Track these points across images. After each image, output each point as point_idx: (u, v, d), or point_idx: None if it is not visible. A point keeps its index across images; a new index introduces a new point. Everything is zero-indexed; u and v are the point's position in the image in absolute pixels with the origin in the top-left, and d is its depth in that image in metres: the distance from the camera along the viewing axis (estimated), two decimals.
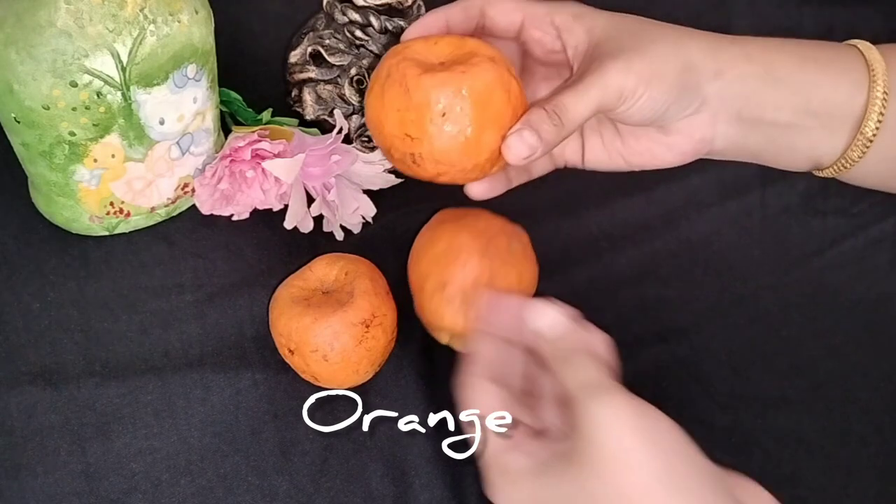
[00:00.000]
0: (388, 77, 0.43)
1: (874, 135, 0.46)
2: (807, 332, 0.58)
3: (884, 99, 0.45)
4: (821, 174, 0.49)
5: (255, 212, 0.54)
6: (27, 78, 0.44)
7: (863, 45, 0.48)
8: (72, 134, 0.46)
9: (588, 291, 0.57)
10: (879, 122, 0.46)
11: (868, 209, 0.61)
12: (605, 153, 0.49)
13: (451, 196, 0.48)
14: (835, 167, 0.48)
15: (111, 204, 0.51)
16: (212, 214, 0.53)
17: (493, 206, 0.52)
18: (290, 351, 0.49)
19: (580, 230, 0.59)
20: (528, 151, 0.41)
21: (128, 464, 0.48)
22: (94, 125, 0.46)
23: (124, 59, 0.45)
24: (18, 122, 0.46)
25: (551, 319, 0.44)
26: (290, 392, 0.51)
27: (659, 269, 0.59)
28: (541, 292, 0.53)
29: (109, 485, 0.47)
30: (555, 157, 0.50)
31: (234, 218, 0.54)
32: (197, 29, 0.47)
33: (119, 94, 0.46)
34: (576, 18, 0.46)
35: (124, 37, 0.44)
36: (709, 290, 0.58)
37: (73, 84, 0.44)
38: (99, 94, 0.45)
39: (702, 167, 0.62)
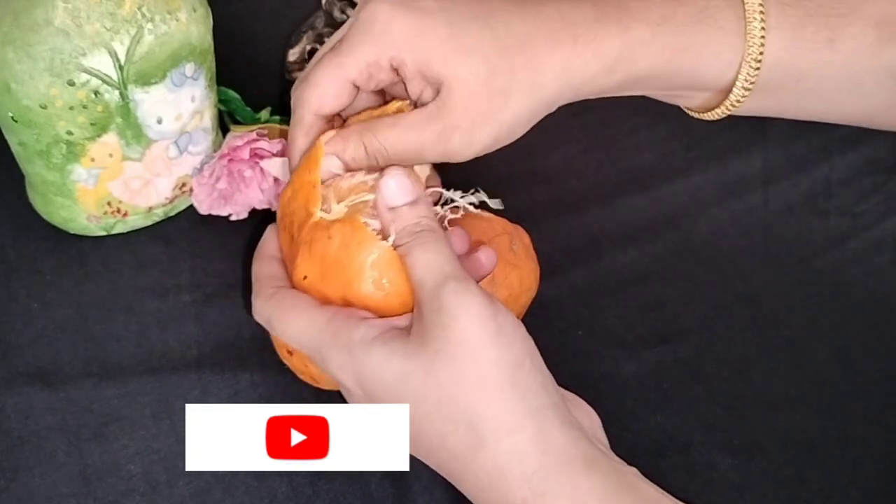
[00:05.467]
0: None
1: (737, 103, 0.44)
2: (809, 332, 0.57)
3: (755, 76, 0.42)
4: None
5: (253, 212, 0.54)
6: (24, 77, 0.43)
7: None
8: (69, 133, 0.46)
9: (590, 292, 0.57)
10: (745, 94, 0.43)
11: (871, 209, 0.61)
12: None
13: None
14: (695, 114, 0.46)
15: (109, 204, 0.51)
16: (210, 214, 0.53)
17: None
18: (289, 352, 0.49)
19: (581, 230, 0.59)
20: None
21: (125, 465, 0.48)
22: (91, 124, 0.46)
23: (122, 57, 0.44)
24: (16, 122, 0.46)
25: (398, 185, 0.40)
26: (288, 393, 0.50)
27: (661, 269, 0.58)
28: (542, 293, 0.52)
29: (107, 486, 0.47)
30: None
31: (233, 218, 0.54)
32: (195, 27, 0.47)
33: (116, 92, 0.45)
34: (419, 69, 0.42)
35: (122, 35, 0.44)
36: (711, 290, 0.58)
37: (71, 83, 0.44)
38: (96, 92, 0.45)
39: (703, 167, 0.63)
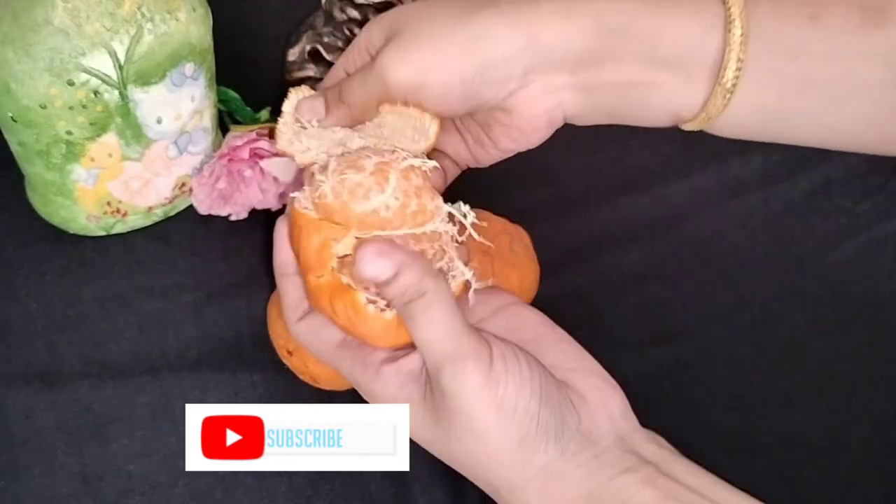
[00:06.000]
0: None
1: (734, 84, 0.41)
2: (810, 332, 0.57)
3: (742, 42, 0.41)
4: (686, 128, 0.45)
5: (253, 212, 0.54)
6: (24, 76, 0.43)
7: None
8: (69, 133, 0.46)
9: (590, 292, 0.57)
10: (739, 68, 0.41)
11: (871, 209, 0.61)
12: (481, 149, 0.47)
13: (453, 197, 0.48)
14: (698, 120, 0.44)
15: (108, 203, 0.51)
16: (209, 214, 0.53)
17: (494, 206, 0.52)
18: (289, 352, 0.49)
19: (581, 230, 0.59)
20: (310, 115, 0.47)
21: (125, 465, 0.48)
22: (91, 124, 0.46)
23: (121, 57, 0.44)
24: (15, 122, 0.45)
25: (380, 267, 0.39)
26: (288, 393, 0.51)
27: (661, 269, 0.58)
28: (542, 293, 0.52)
29: (107, 486, 0.47)
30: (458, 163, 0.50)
31: (232, 218, 0.54)
32: (195, 27, 0.47)
33: (116, 92, 0.45)
34: (374, 21, 0.46)
35: (121, 35, 0.44)
36: (711, 291, 0.58)
37: (71, 83, 0.44)
38: (96, 92, 0.45)
39: (704, 166, 0.62)
